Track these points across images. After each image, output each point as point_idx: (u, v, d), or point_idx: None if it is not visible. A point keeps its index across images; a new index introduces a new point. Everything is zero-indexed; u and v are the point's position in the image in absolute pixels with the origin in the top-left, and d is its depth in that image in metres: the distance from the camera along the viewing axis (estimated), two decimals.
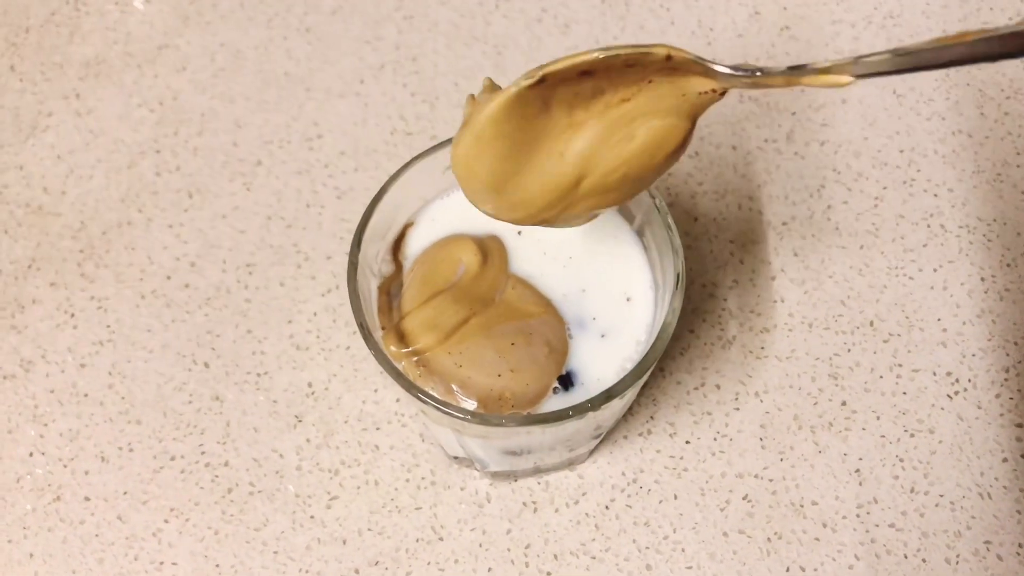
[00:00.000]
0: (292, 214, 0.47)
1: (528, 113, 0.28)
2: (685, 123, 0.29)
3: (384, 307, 0.35)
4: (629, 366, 0.34)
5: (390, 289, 0.36)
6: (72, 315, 0.45)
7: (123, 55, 0.52)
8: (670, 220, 0.34)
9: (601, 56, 0.27)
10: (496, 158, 0.30)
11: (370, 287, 0.35)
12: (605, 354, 0.34)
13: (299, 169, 0.48)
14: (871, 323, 0.44)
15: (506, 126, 0.29)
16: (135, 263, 0.46)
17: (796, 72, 0.26)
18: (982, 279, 0.45)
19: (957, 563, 0.39)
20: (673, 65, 0.27)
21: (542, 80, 0.27)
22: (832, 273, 0.45)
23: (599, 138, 0.29)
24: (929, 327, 0.44)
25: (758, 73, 0.27)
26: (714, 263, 0.45)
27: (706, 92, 0.28)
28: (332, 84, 0.51)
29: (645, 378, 0.33)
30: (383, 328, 0.35)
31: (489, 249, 0.36)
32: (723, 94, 0.28)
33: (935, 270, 0.45)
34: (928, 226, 0.46)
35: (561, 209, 0.31)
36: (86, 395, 0.43)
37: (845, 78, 0.25)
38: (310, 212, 0.47)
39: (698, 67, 0.27)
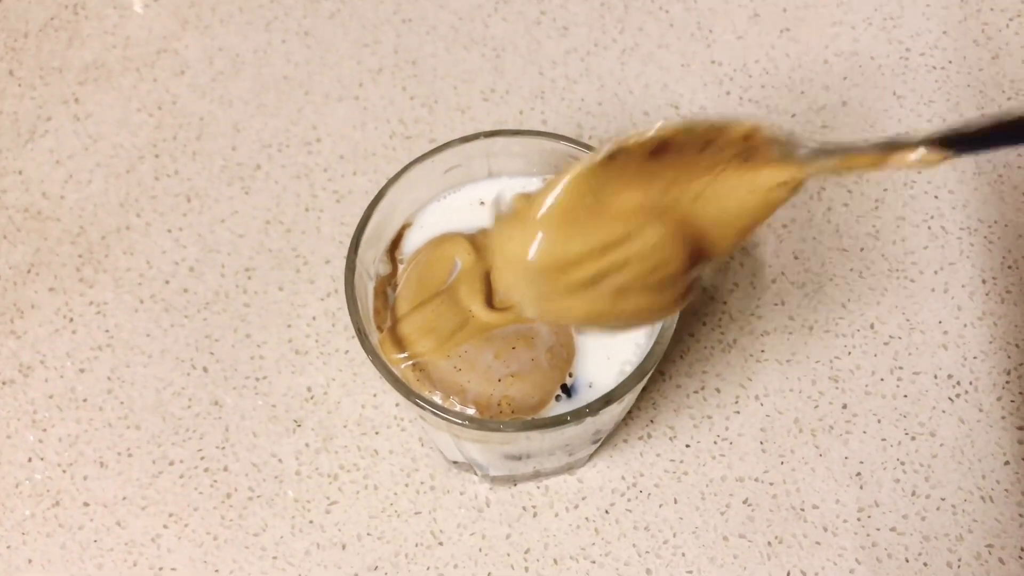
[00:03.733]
0: (291, 218, 0.47)
1: (593, 195, 0.26)
2: (749, 225, 0.27)
3: (380, 308, 0.35)
4: (628, 369, 0.34)
5: (386, 289, 0.36)
6: (71, 320, 0.45)
7: (122, 59, 0.52)
8: None
9: (677, 128, 0.25)
10: (559, 240, 0.27)
11: (367, 290, 0.35)
12: (605, 358, 0.34)
13: (298, 173, 0.48)
14: (872, 326, 0.44)
15: (574, 207, 0.26)
16: (134, 268, 0.46)
17: (883, 157, 0.24)
18: (983, 281, 0.45)
19: (959, 567, 0.39)
20: (750, 147, 0.25)
21: (610, 157, 0.25)
22: (832, 276, 0.45)
23: (668, 234, 0.27)
24: (930, 330, 0.44)
25: (826, 158, 0.25)
26: (714, 266, 0.45)
27: (779, 185, 0.26)
28: (331, 88, 0.51)
29: (644, 382, 0.33)
30: (379, 329, 0.35)
31: (482, 244, 0.36)
32: (797, 188, 0.26)
33: (936, 272, 0.45)
34: (929, 228, 0.46)
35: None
36: (85, 400, 0.43)
37: (937, 155, 0.24)
38: (309, 216, 0.47)
39: (777, 148, 0.25)
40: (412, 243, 0.37)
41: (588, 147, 0.36)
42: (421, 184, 0.36)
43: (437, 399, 0.33)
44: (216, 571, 0.40)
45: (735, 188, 0.26)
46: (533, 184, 0.37)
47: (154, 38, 0.52)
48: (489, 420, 0.32)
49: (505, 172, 0.37)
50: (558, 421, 0.31)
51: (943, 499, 0.40)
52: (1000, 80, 0.50)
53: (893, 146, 0.24)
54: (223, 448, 0.42)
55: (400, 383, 0.31)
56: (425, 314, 0.34)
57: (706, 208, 0.27)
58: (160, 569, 0.40)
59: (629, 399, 0.33)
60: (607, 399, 0.31)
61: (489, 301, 0.34)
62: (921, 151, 0.23)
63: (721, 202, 0.27)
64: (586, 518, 0.40)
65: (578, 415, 0.31)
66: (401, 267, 0.36)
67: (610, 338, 0.34)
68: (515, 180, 0.37)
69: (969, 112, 0.49)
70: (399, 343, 0.34)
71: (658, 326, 0.33)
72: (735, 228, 0.27)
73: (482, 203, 0.37)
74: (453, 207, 0.37)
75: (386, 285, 0.36)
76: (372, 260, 0.36)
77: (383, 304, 0.35)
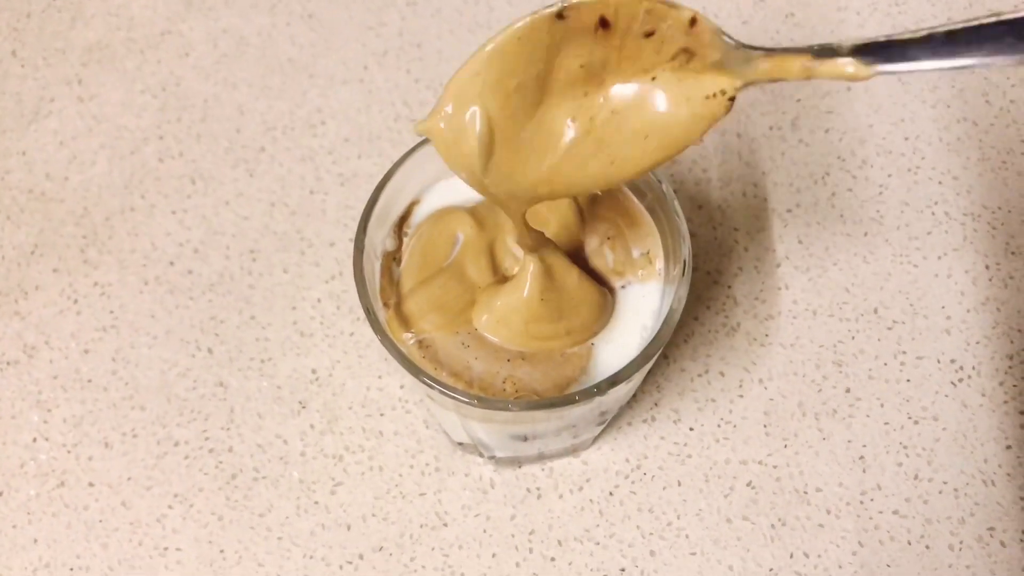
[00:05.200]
0: (296, 200, 0.47)
1: (538, 53, 0.26)
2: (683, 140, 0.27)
3: (386, 286, 0.35)
4: (635, 352, 0.34)
5: (391, 265, 0.36)
6: (75, 301, 0.45)
7: (126, 41, 0.52)
8: (677, 207, 0.34)
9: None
10: (502, 100, 0.27)
11: (374, 269, 0.35)
12: (613, 340, 0.34)
13: (302, 156, 0.48)
14: (875, 310, 0.44)
15: (513, 62, 0.26)
16: (138, 249, 0.46)
17: (819, 56, 0.24)
18: (986, 267, 0.45)
19: (960, 550, 0.39)
20: (693, 41, 0.25)
21: (559, 15, 0.26)
22: (836, 260, 0.45)
23: (591, 117, 0.27)
24: (933, 314, 0.44)
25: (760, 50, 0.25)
26: (719, 250, 0.45)
27: (713, 95, 0.26)
28: (335, 70, 0.50)
29: (651, 364, 0.33)
30: (386, 306, 0.35)
31: (483, 216, 0.35)
32: (731, 100, 0.26)
33: (939, 258, 0.45)
34: (932, 214, 0.46)
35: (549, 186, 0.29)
36: (90, 381, 0.43)
37: (865, 69, 0.24)
38: (314, 199, 0.47)
39: (718, 49, 0.25)
40: (419, 219, 0.37)
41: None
42: (429, 165, 0.36)
43: (443, 378, 0.33)
44: (221, 551, 0.40)
45: (669, 94, 0.26)
46: None
47: (158, 19, 0.52)
48: (496, 399, 0.32)
49: None
50: (565, 400, 0.31)
51: (945, 483, 0.41)
52: (1006, 68, 0.50)
53: (825, 52, 0.24)
54: (228, 429, 0.42)
55: (408, 362, 0.31)
56: (432, 290, 0.34)
57: (638, 114, 0.27)
58: (165, 549, 0.40)
59: (636, 380, 0.33)
60: (614, 380, 0.31)
61: (496, 273, 0.34)
62: (852, 62, 0.24)
63: (653, 109, 0.27)
64: (590, 500, 0.41)
65: (586, 394, 0.31)
66: (406, 240, 0.36)
67: (618, 321, 0.35)
68: None
69: (974, 99, 0.49)
70: (406, 321, 0.34)
71: (665, 310, 0.33)
72: (660, 144, 0.27)
73: None
74: (462, 184, 0.37)
75: (391, 261, 0.36)
76: (380, 239, 0.36)
77: (388, 282, 0.35)
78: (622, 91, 0.27)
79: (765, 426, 0.42)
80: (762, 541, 0.40)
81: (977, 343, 0.43)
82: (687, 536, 0.40)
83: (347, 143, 0.49)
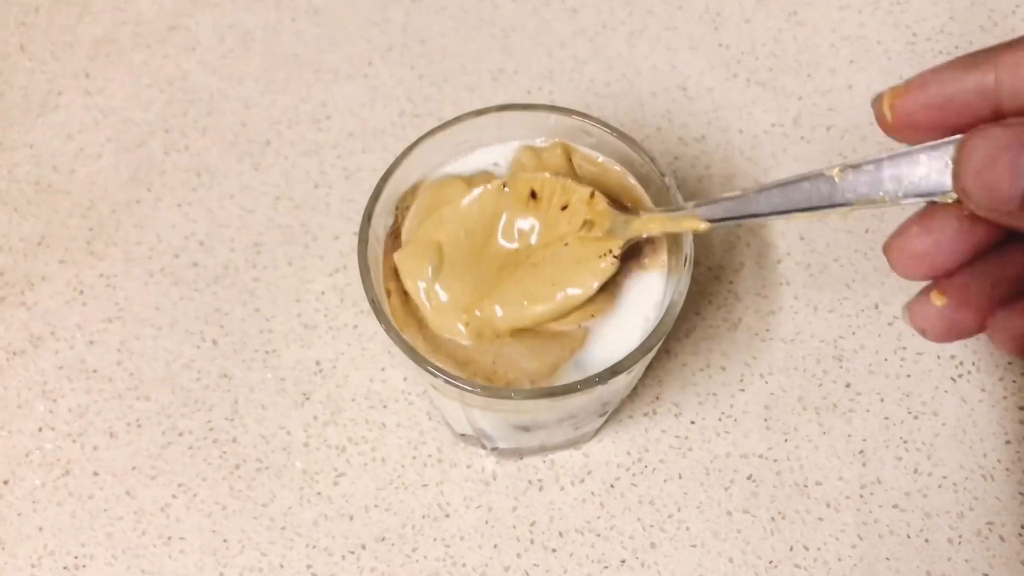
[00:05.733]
0: (300, 194, 0.47)
1: (485, 213, 0.35)
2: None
3: (388, 273, 0.36)
4: (636, 343, 0.34)
5: (392, 248, 0.36)
6: (81, 292, 0.45)
7: (133, 35, 0.52)
8: (680, 201, 0.34)
9: (545, 180, 0.34)
10: (453, 239, 0.35)
11: (378, 260, 0.35)
12: (615, 330, 0.34)
13: (307, 150, 0.49)
14: (876, 306, 0.44)
15: (468, 216, 0.35)
16: (144, 241, 0.46)
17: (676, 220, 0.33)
18: None
19: (959, 544, 0.40)
20: (592, 212, 0.33)
21: (504, 185, 0.34)
22: (837, 256, 0.45)
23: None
24: None
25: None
26: (720, 246, 0.46)
27: (603, 255, 0.33)
28: (340, 66, 0.51)
29: (652, 355, 0.33)
30: (388, 291, 0.35)
31: (478, 182, 0.36)
32: (616, 257, 0.33)
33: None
34: None
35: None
36: (95, 371, 0.44)
37: (703, 224, 0.31)
38: (318, 192, 0.47)
39: (608, 213, 0.33)
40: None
41: (599, 121, 0.36)
42: (433, 157, 0.36)
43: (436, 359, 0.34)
44: (224, 541, 0.40)
45: (575, 255, 0.34)
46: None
47: (165, 14, 0.53)
48: (499, 388, 0.32)
49: (515, 137, 0.37)
50: (568, 389, 0.31)
51: (944, 477, 0.41)
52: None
53: (677, 211, 0.32)
54: (232, 420, 0.42)
55: (413, 351, 0.32)
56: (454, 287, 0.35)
57: (551, 268, 0.34)
58: (169, 538, 0.40)
59: (637, 370, 0.34)
60: (615, 369, 0.32)
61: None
62: (704, 224, 0.31)
63: (562, 265, 0.34)
64: (592, 492, 0.41)
65: (588, 384, 0.31)
66: (407, 215, 0.37)
67: (621, 312, 0.35)
68: (526, 142, 0.37)
69: None
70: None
71: (667, 299, 0.33)
72: (563, 290, 0.34)
73: (496, 164, 0.37)
74: (465, 169, 0.37)
75: (392, 242, 0.36)
76: (383, 228, 0.36)
77: (391, 269, 0.36)
78: (544, 252, 0.34)
79: (766, 420, 0.42)
80: (762, 534, 0.40)
81: (977, 339, 0.43)
82: (688, 529, 0.40)
83: (351, 138, 0.49)
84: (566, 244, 0.34)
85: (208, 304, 0.45)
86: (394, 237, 0.36)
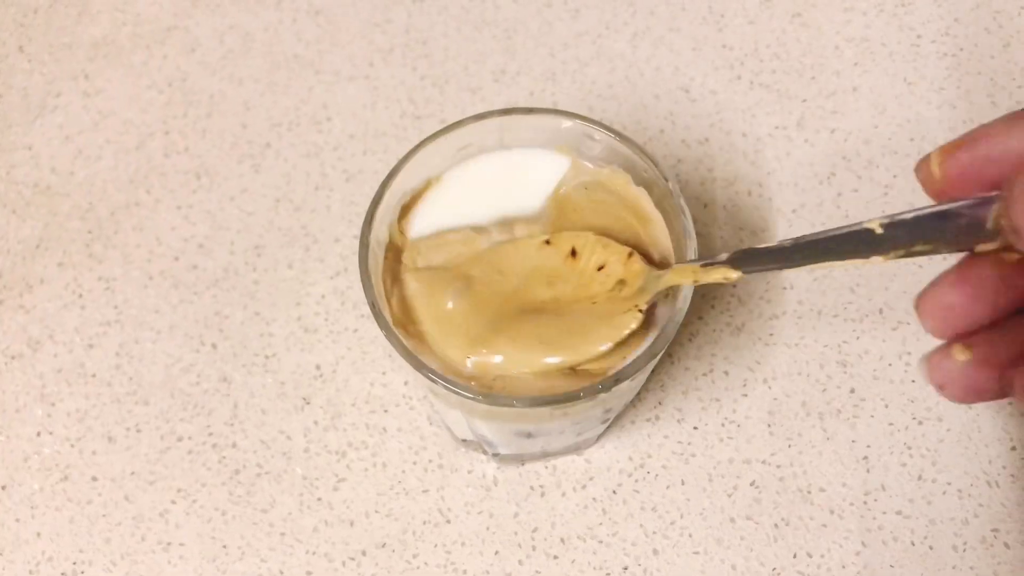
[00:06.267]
0: (301, 197, 0.47)
1: (523, 258, 0.35)
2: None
3: (388, 280, 0.35)
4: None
5: (394, 260, 0.36)
6: (80, 295, 0.45)
7: (132, 36, 0.52)
8: (683, 204, 0.34)
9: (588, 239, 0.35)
10: (486, 274, 0.35)
11: (379, 264, 0.35)
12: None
13: (308, 152, 0.48)
14: (880, 311, 0.44)
15: (506, 259, 0.35)
16: (143, 244, 0.46)
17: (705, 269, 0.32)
18: None
19: (964, 551, 0.39)
20: (627, 272, 0.34)
21: (548, 241, 0.35)
22: None
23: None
24: None
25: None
26: (724, 249, 0.45)
27: (629, 310, 0.33)
28: (341, 67, 0.51)
29: (656, 361, 0.33)
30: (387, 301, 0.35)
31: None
32: (641, 311, 0.33)
33: (945, 258, 0.45)
34: None
35: None
36: (94, 375, 0.43)
37: (735, 274, 0.31)
38: (319, 195, 0.47)
39: (643, 272, 0.34)
40: (426, 202, 0.37)
41: (601, 125, 0.36)
42: (435, 160, 0.36)
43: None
44: (224, 547, 0.40)
45: (600, 312, 0.34)
46: (543, 155, 0.37)
47: (164, 15, 0.52)
48: (501, 396, 0.32)
49: (517, 144, 0.37)
50: (570, 397, 0.31)
51: (949, 483, 0.41)
52: (1011, 68, 0.50)
53: (708, 263, 0.32)
54: (231, 424, 0.42)
55: (413, 357, 0.32)
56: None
57: (575, 320, 0.34)
58: (168, 544, 0.40)
59: (640, 378, 0.33)
60: (618, 377, 0.32)
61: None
62: (727, 270, 0.31)
63: (587, 320, 0.34)
64: (593, 498, 0.41)
65: (590, 391, 0.31)
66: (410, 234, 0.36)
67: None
68: (527, 151, 0.37)
69: (980, 100, 0.49)
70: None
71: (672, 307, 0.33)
72: (584, 343, 0.34)
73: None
74: (466, 180, 0.37)
75: (394, 256, 0.36)
76: (384, 233, 0.36)
77: (391, 276, 0.36)
78: (570, 304, 0.34)
79: (769, 425, 0.42)
80: (765, 541, 0.40)
81: None
82: (690, 535, 0.40)
83: (352, 140, 0.49)
84: (594, 303, 0.34)
85: (208, 307, 0.45)
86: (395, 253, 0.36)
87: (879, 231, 0.26)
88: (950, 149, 0.26)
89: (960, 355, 0.27)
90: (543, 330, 0.33)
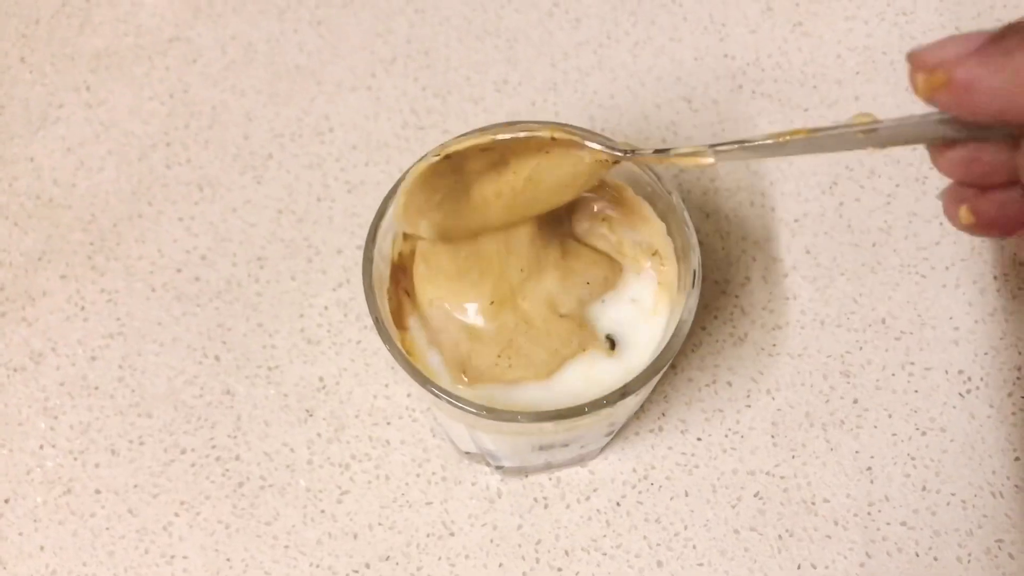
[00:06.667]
0: (303, 208, 0.47)
1: (446, 175, 0.33)
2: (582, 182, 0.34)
3: (393, 293, 0.35)
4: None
5: (399, 275, 0.36)
6: (82, 308, 0.45)
7: (134, 47, 0.52)
8: (687, 216, 0.34)
9: (494, 139, 0.32)
10: (430, 208, 0.34)
11: (383, 277, 0.35)
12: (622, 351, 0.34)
13: (310, 163, 0.48)
14: (883, 320, 0.44)
15: (428, 186, 0.33)
16: (145, 256, 0.46)
17: (663, 153, 0.31)
18: (994, 277, 0.45)
19: (968, 562, 0.39)
20: (560, 143, 0.32)
21: (446, 157, 0.32)
22: (844, 270, 0.45)
23: (512, 188, 0.34)
24: (941, 325, 0.44)
25: (629, 154, 0.32)
26: (726, 260, 0.45)
27: (599, 161, 0.33)
28: (343, 77, 0.51)
29: (661, 375, 0.33)
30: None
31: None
32: (616, 162, 0.32)
33: (947, 268, 0.45)
34: (941, 224, 0.46)
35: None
36: (96, 388, 0.43)
37: (708, 159, 0.30)
38: (321, 206, 0.47)
39: (577, 144, 0.32)
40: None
41: (603, 138, 0.36)
42: None
43: (435, 355, 0.34)
44: (227, 560, 0.40)
45: (562, 162, 0.33)
46: None
47: (166, 26, 0.52)
48: (504, 411, 0.32)
49: None
50: (575, 412, 0.31)
51: (953, 494, 0.40)
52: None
53: (667, 152, 0.31)
54: (235, 437, 0.42)
55: (416, 371, 0.31)
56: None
57: (549, 174, 0.33)
58: (172, 557, 0.40)
59: (645, 391, 0.33)
60: (624, 391, 0.31)
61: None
62: (693, 158, 0.30)
63: (553, 173, 0.33)
64: (597, 510, 0.41)
65: (595, 406, 0.31)
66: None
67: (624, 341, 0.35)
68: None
69: None
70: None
71: (675, 320, 0.33)
72: (569, 190, 0.34)
73: None
74: None
75: (399, 270, 0.36)
76: (388, 246, 0.36)
77: (396, 289, 0.36)
78: (527, 163, 0.33)
79: (772, 436, 0.42)
80: (769, 552, 0.40)
81: (985, 354, 0.43)
82: (694, 547, 0.40)
83: (355, 150, 0.49)
84: (547, 152, 0.33)
85: (210, 319, 0.45)
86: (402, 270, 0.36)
87: (860, 136, 0.27)
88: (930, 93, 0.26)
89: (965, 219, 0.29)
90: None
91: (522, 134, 0.32)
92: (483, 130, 0.33)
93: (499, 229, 0.35)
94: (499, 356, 0.34)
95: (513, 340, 0.34)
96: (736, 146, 0.29)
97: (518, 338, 0.34)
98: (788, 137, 0.28)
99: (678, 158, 0.31)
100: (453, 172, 0.33)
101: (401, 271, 0.36)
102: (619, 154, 0.32)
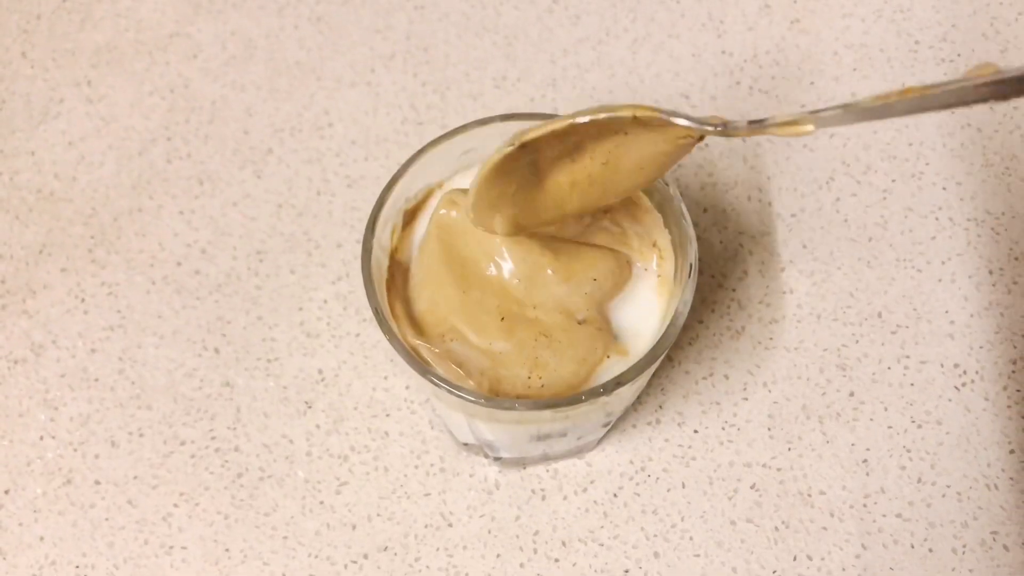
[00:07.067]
0: (303, 202, 0.47)
1: (520, 165, 0.31)
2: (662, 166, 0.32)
3: (392, 285, 0.35)
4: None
5: (396, 266, 0.36)
6: (83, 300, 0.45)
7: (134, 42, 0.52)
8: (683, 209, 0.34)
9: (572, 123, 0.30)
10: (504, 202, 0.32)
11: (382, 268, 0.35)
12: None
13: (310, 157, 0.49)
14: (879, 314, 0.44)
15: (502, 178, 0.31)
16: (146, 249, 0.46)
17: (758, 124, 0.28)
18: (990, 272, 0.45)
19: (963, 553, 0.39)
20: (642, 123, 0.30)
21: (522, 146, 0.30)
22: (841, 265, 0.45)
23: (588, 175, 0.32)
24: (937, 319, 0.44)
25: (720, 127, 0.29)
26: (723, 254, 0.46)
27: (683, 139, 0.30)
28: (343, 73, 0.51)
29: (657, 364, 0.33)
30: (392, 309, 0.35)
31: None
32: (701, 138, 0.30)
33: (943, 263, 0.45)
34: (936, 219, 0.46)
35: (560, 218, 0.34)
36: (96, 380, 0.44)
37: (808, 127, 0.27)
38: (320, 200, 0.47)
39: (663, 122, 0.29)
40: (429, 208, 0.37)
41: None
42: (437, 166, 0.36)
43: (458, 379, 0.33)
44: (227, 550, 0.40)
45: (642, 143, 0.31)
46: None
47: (167, 21, 0.53)
48: (502, 399, 0.32)
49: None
50: (571, 401, 0.31)
51: (948, 486, 0.41)
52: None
53: (764, 123, 0.28)
54: (234, 429, 0.42)
55: (414, 360, 0.32)
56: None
57: (627, 156, 0.31)
58: (171, 548, 0.40)
59: (641, 381, 0.34)
60: (619, 380, 0.32)
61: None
62: (793, 127, 0.27)
63: (632, 155, 0.31)
64: (595, 501, 0.41)
65: (592, 394, 0.31)
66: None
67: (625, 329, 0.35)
68: None
69: (979, 110, 0.49)
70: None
71: (672, 311, 0.33)
72: (648, 172, 0.32)
73: None
74: (469, 181, 0.37)
75: (397, 262, 0.36)
76: (387, 239, 0.36)
77: (394, 282, 0.36)
78: (604, 147, 0.31)
79: (769, 429, 0.42)
80: (766, 544, 0.40)
81: (980, 347, 0.43)
82: (691, 538, 0.40)
83: (354, 145, 0.49)
84: (626, 134, 0.31)
85: (210, 312, 0.45)
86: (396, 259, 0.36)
87: (983, 90, 0.24)
88: None
89: None
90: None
91: (602, 115, 0.30)
92: (557, 116, 0.31)
93: (573, 217, 0.34)
94: (529, 377, 0.33)
95: (539, 357, 0.33)
96: (840, 110, 0.26)
97: (543, 354, 0.33)
98: (897, 97, 0.25)
99: (776, 128, 0.28)
100: (527, 162, 0.31)
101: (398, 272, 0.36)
102: (710, 128, 0.29)
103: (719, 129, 0.29)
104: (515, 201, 0.32)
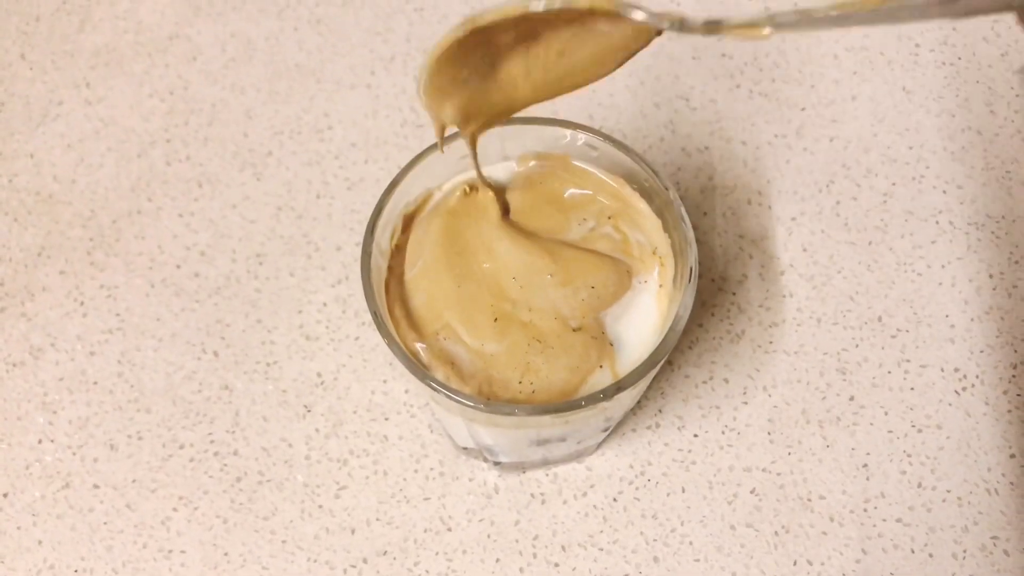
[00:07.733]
0: (302, 205, 0.47)
1: (473, 52, 0.31)
2: (623, 50, 0.31)
3: (391, 287, 0.35)
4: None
5: (397, 269, 0.36)
6: (82, 303, 0.45)
7: (134, 44, 0.52)
8: (683, 212, 0.34)
9: (526, 11, 0.29)
10: (455, 88, 0.32)
11: (381, 272, 0.35)
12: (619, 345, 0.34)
13: (309, 160, 0.48)
14: (879, 319, 0.44)
15: (454, 64, 0.31)
16: (145, 252, 0.46)
17: (714, 25, 0.27)
18: (990, 276, 0.45)
19: (964, 558, 0.39)
20: (598, 13, 0.29)
21: (474, 31, 0.29)
22: (841, 268, 0.45)
23: (543, 65, 0.32)
24: (937, 323, 0.44)
25: (675, 24, 0.28)
26: (723, 257, 0.46)
27: (640, 33, 0.29)
28: (343, 75, 0.51)
29: (657, 369, 0.33)
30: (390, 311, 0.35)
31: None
32: (659, 33, 0.29)
33: (943, 266, 0.45)
34: (937, 223, 0.46)
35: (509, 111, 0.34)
36: (95, 383, 0.43)
37: (765, 30, 0.26)
38: (320, 203, 0.47)
39: (619, 15, 0.29)
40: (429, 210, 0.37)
41: (602, 134, 0.36)
42: (437, 169, 0.36)
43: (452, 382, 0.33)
44: (225, 554, 0.40)
45: (598, 35, 0.30)
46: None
47: (166, 23, 0.53)
48: (501, 404, 0.32)
49: (519, 150, 0.37)
50: (571, 406, 0.31)
51: (949, 491, 0.41)
52: (1008, 77, 0.50)
53: (720, 24, 0.27)
54: (233, 432, 0.42)
55: (414, 364, 0.32)
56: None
57: (583, 46, 0.31)
58: (169, 552, 0.40)
59: (641, 386, 0.34)
60: (619, 385, 0.32)
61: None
62: (747, 29, 0.26)
63: (588, 46, 0.30)
64: (594, 506, 0.41)
65: (592, 399, 0.31)
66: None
67: (623, 332, 0.35)
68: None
69: (979, 109, 0.49)
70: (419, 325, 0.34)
71: (672, 315, 0.33)
72: (602, 66, 0.31)
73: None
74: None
75: (397, 263, 0.36)
76: (386, 242, 0.36)
77: (393, 283, 0.36)
78: (560, 36, 0.30)
79: (769, 433, 0.42)
80: (765, 548, 0.40)
81: (981, 352, 0.43)
82: (691, 543, 0.40)
83: (354, 148, 0.49)
84: (581, 26, 0.30)
85: (209, 315, 0.45)
86: (397, 250, 0.36)
87: (936, 6, 0.24)
88: None
89: None
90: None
91: (557, 4, 0.29)
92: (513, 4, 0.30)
93: (523, 107, 0.33)
94: (520, 382, 0.33)
95: (531, 363, 0.33)
96: (797, 17, 0.25)
97: (535, 359, 0.33)
98: (856, 8, 0.24)
99: (732, 30, 0.27)
100: (480, 47, 0.31)
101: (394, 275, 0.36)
102: (665, 24, 0.28)
103: (671, 26, 0.28)
104: (467, 87, 0.32)
